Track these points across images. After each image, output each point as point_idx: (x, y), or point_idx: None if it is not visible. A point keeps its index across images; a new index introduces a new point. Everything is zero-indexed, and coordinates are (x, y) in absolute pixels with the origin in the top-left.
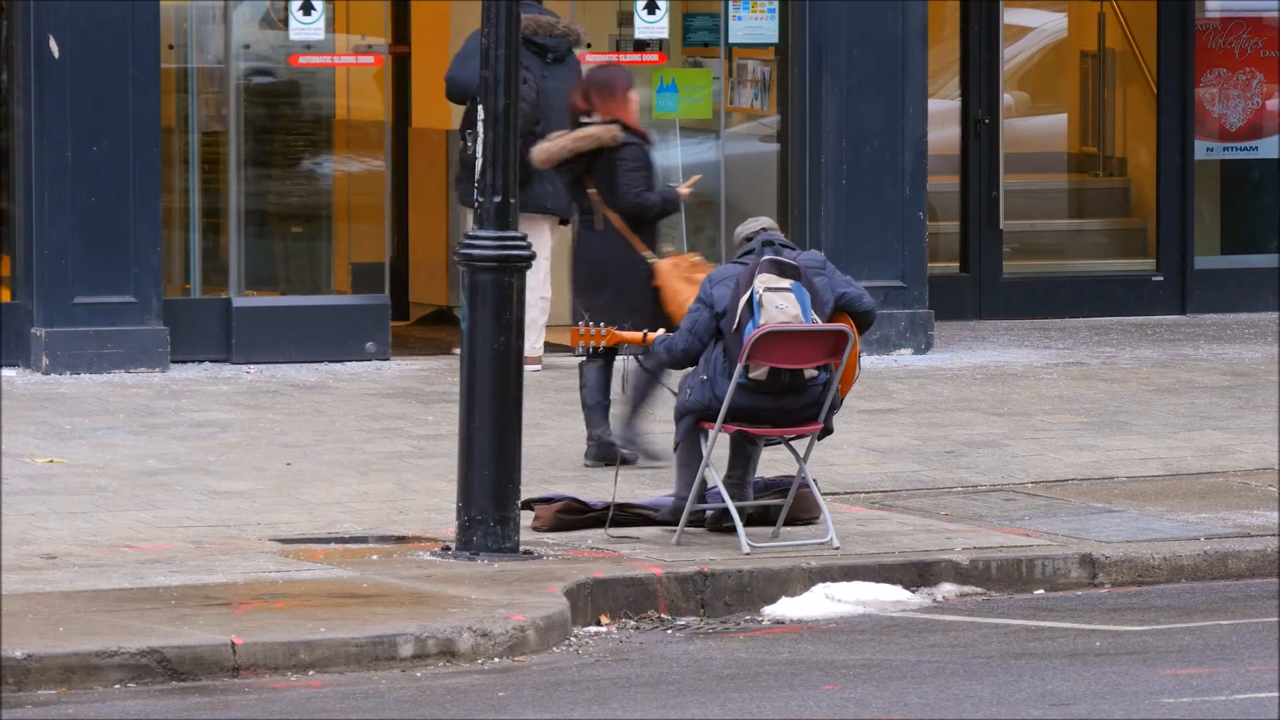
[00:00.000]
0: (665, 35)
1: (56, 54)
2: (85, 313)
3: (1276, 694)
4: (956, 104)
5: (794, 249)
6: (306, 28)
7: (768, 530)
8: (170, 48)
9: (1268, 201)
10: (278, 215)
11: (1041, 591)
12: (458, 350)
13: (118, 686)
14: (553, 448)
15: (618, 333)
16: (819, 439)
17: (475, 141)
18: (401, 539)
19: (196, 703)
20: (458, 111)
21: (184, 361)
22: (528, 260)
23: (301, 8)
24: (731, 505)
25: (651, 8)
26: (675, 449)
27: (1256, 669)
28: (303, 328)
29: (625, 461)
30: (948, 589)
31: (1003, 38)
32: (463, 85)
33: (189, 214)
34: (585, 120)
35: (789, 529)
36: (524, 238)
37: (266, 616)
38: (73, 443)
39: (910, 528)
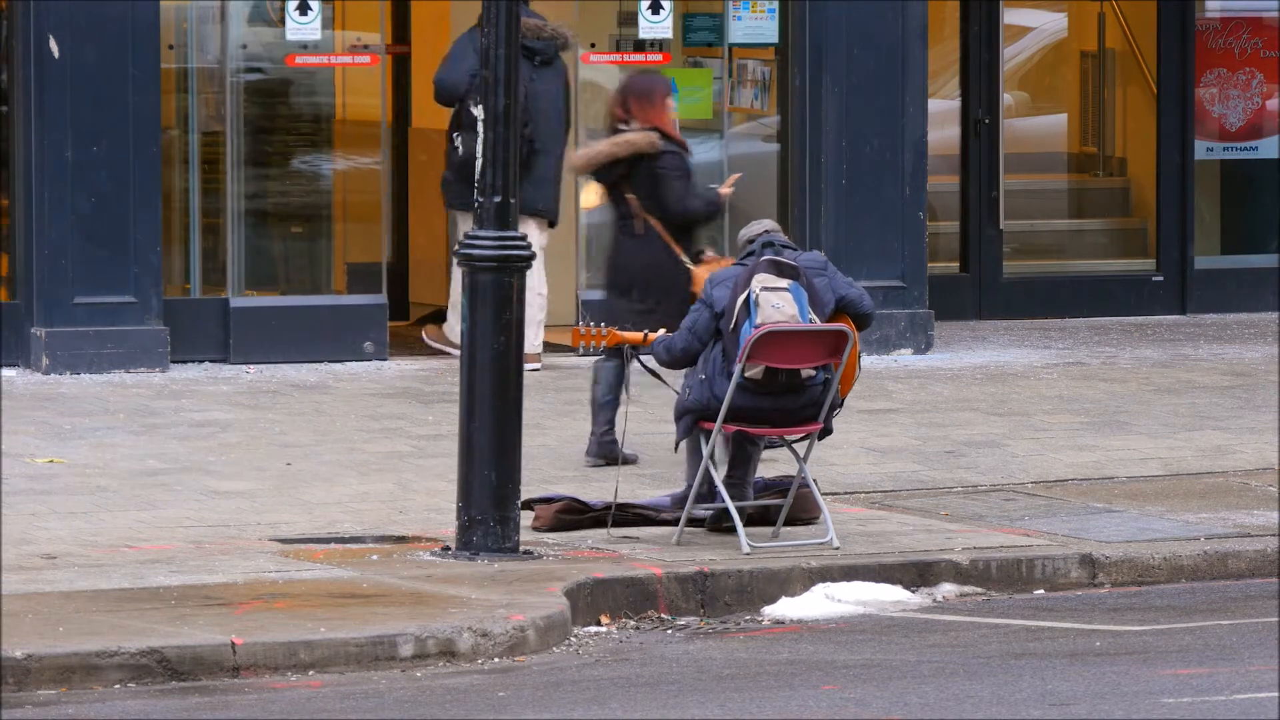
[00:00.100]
0: (669, 35)
1: (56, 54)
2: (85, 313)
3: (1276, 694)
4: (956, 104)
5: (795, 249)
6: (303, 28)
7: (768, 530)
8: (170, 48)
9: (1268, 201)
10: (277, 215)
11: (1041, 591)
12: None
13: (118, 686)
14: (553, 448)
15: (618, 333)
16: (819, 439)
17: (463, 144)
18: (401, 539)
19: (196, 703)
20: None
21: (184, 361)
22: (528, 260)
23: (298, 8)
24: (731, 505)
25: (655, 8)
26: (675, 449)
27: (1256, 669)
28: (301, 328)
29: (627, 461)
30: (948, 589)
31: (1003, 38)
32: (451, 88)
33: (189, 214)
34: (623, 127)
35: (789, 529)
36: (524, 237)
37: (266, 616)
38: (73, 443)
39: (910, 528)
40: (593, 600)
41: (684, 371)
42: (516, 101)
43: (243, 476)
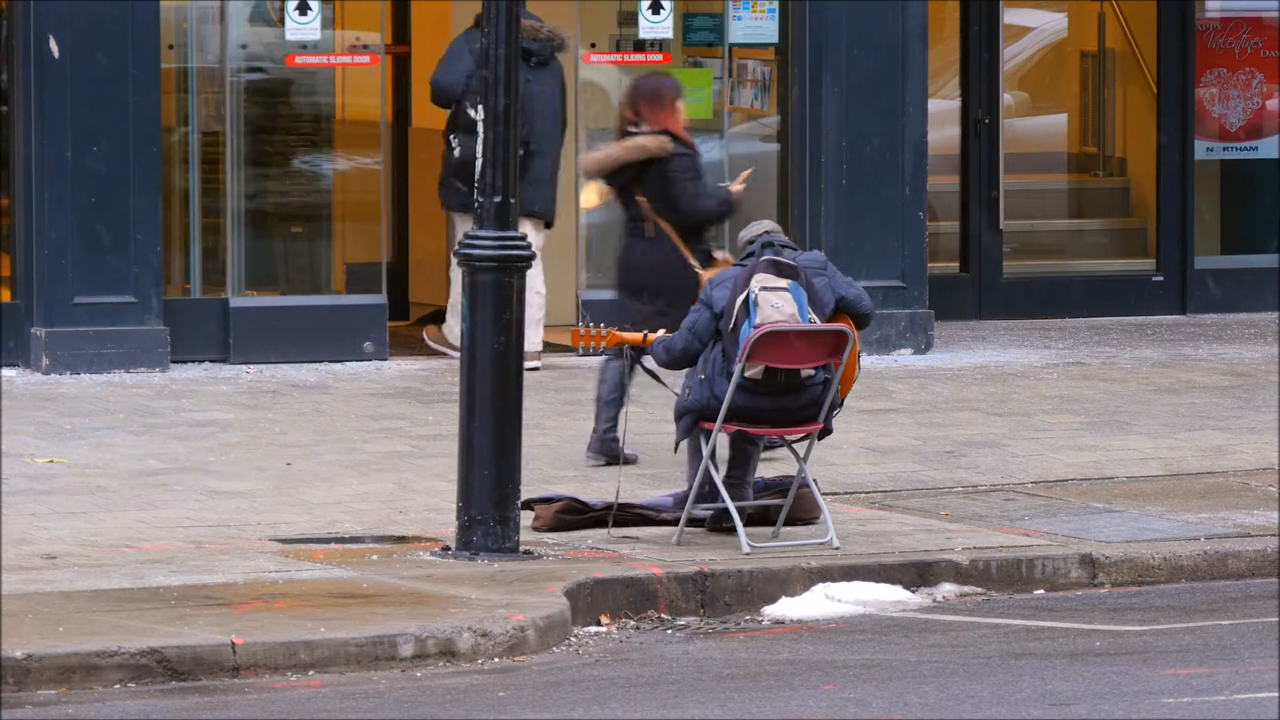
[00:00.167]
0: (669, 35)
1: (56, 54)
2: (85, 313)
3: (1276, 694)
4: (956, 104)
5: (795, 249)
6: (302, 28)
7: (768, 530)
8: (170, 48)
9: (1268, 201)
10: (277, 215)
11: (1041, 591)
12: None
13: (118, 686)
14: (553, 448)
15: (618, 333)
16: (819, 439)
17: (459, 146)
18: (401, 539)
19: (196, 703)
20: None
21: (184, 361)
22: (528, 260)
23: (297, 8)
24: (731, 505)
25: (656, 8)
26: (675, 450)
27: (1256, 669)
28: (300, 328)
29: (628, 461)
30: (948, 589)
31: (1003, 38)
32: (447, 89)
33: (189, 214)
34: (633, 130)
35: (789, 529)
36: (524, 237)
37: (266, 616)
38: (73, 443)
39: (910, 528)
40: (593, 600)
41: (684, 372)
42: (517, 101)
43: (243, 476)
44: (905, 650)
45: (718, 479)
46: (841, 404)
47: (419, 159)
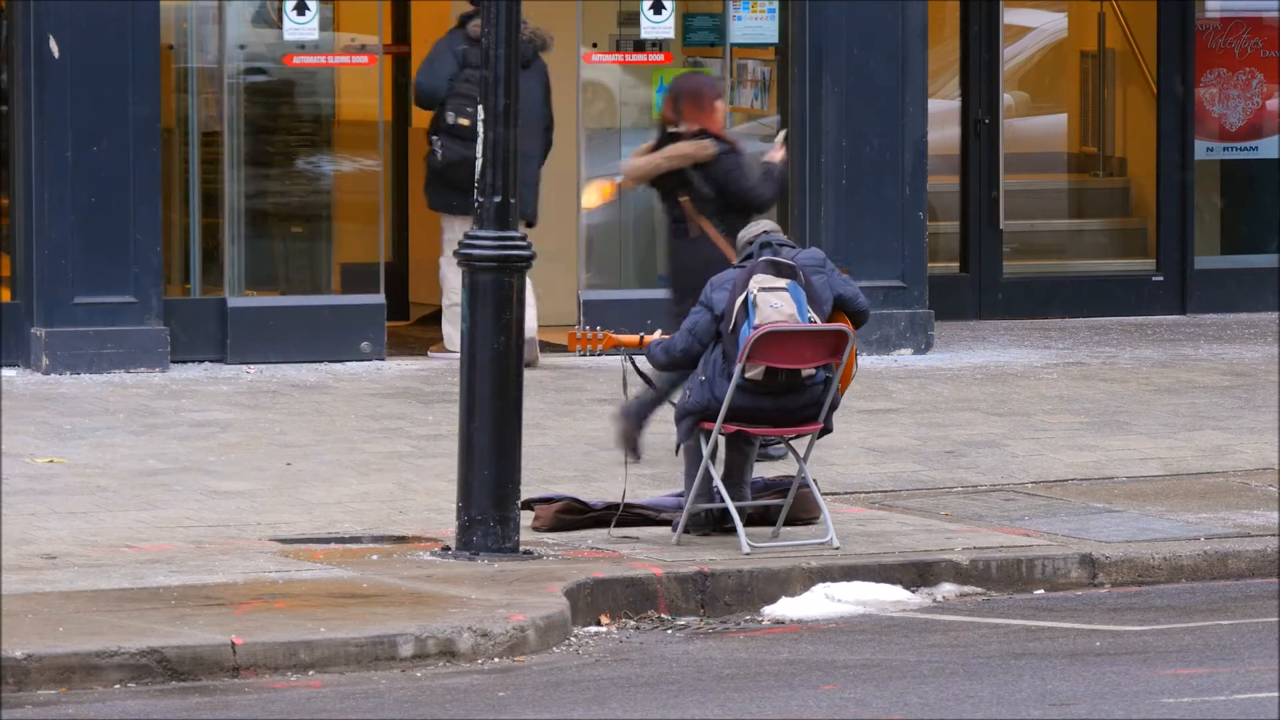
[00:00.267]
0: (671, 35)
1: (56, 54)
2: (85, 313)
3: (1276, 694)
4: (956, 104)
5: (793, 248)
6: (300, 28)
7: (768, 530)
8: (170, 48)
9: (1268, 201)
10: (276, 215)
11: (1041, 591)
12: (433, 352)
13: (118, 686)
14: (553, 448)
15: (614, 335)
16: (817, 438)
17: (441, 147)
18: (401, 539)
19: (196, 703)
20: None
21: (184, 361)
22: (528, 260)
23: (295, 8)
24: (731, 505)
25: (658, 8)
26: (676, 451)
27: (1256, 669)
28: (299, 328)
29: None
30: (948, 589)
31: (1003, 38)
32: (431, 92)
33: (189, 214)
34: (673, 130)
35: (789, 529)
36: (524, 237)
37: (266, 616)
38: (73, 443)
39: (910, 528)
40: (593, 600)
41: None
42: (517, 101)
43: (243, 476)
44: (905, 650)
45: (718, 479)
46: (839, 402)
47: (419, 159)
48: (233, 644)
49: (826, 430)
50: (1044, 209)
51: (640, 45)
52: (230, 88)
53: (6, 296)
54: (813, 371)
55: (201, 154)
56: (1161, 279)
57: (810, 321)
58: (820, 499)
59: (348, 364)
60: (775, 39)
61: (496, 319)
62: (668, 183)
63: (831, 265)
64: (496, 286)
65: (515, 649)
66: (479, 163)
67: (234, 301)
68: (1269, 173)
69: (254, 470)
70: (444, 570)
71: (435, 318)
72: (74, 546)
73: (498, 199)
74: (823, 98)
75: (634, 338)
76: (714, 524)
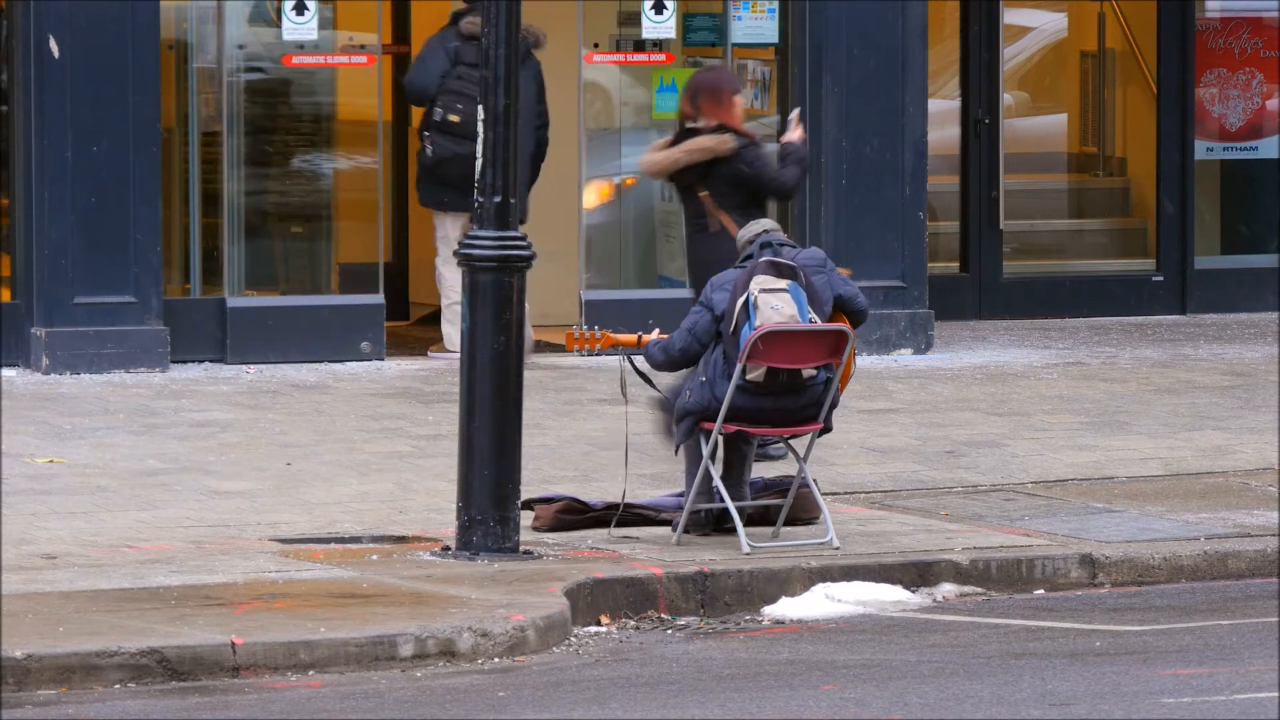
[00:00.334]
0: (672, 35)
1: (56, 54)
2: (85, 313)
3: (1276, 694)
4: (956, 104)
5: (794, 247)
6: (300, 28)
7: (768, 530)
8: (170, 47)
9: (1268, 201)
10: (276, 215)
11: (1041, 591)
12: (433, 352)
13: (118, 686)
14: (553, 448)
15: (612, 335)
16: (817, 437)
17: (431, 145)
18: (401, 539)
19: (196, 703)
20: None
21: (184, 361)
22: (528, 260)
23: (294, 8)
24: (731, 505)
25: (659, 8)
26: (676, 452)
27: (1256, 669)
28: (298, 328)
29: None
30: (948, 589)
31: (1003, 38)
32: (421, 90)
33: (189, 214)
34: (691, 125)
35: (789, 529)
36: (524, 237)
37: (266, 616)
38: (73, 443)
39: (910, 528)
40: (593, 600)
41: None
42: (517, 101)
43: (243, 476)
44: (905, 650)
45: (717, 479)
46: (838, 401)
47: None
48: (233, 644)
49: (826, 430)
50: (1044, 209)
51: (641, 45)
52: (230, 87)
53: (6, 296)
54: (813, 372)
55: (201, 154)
56: (1161, 279)
57: (811, 322)
58: (820, 499)
59: (347, 364)
60: (775, 39)
61: (496, 319)
62: (686, 177)
63: (832, 265)
64: (496, 286)
65: (515, 649)
66: (479, 162)
67: (234, 301)
68: (1269, 173)
69: (254, 470)
70: (444, 570)
71: (435, 318)
72: (74, 546)
73: (498, 199)
74: (823, 98)
75: (632, 337)
76: (714, 524)
